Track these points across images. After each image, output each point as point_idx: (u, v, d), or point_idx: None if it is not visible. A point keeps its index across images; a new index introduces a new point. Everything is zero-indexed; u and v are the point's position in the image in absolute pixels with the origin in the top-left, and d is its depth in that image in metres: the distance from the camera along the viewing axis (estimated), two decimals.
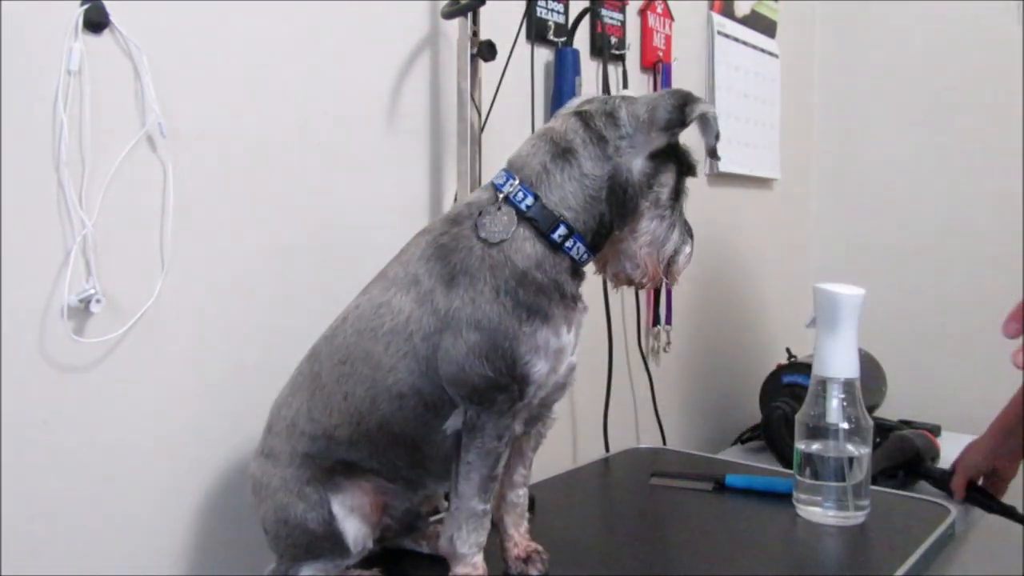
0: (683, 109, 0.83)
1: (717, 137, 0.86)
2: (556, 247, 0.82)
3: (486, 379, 0.80)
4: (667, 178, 0.87)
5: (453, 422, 0.84)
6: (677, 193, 0.88)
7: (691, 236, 0.91)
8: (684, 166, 0.88)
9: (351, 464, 0.88)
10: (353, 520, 0.88)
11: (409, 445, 0.86)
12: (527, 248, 0.81)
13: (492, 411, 0.82)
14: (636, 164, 0.84)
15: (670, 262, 0.89)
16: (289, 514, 0.87)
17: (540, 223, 0.82)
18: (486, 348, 0.79)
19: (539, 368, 0.81)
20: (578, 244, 0.83)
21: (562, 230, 0.82)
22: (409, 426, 0.85)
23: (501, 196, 0.83)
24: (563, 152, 0.83)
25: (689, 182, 0.90)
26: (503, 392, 0.81)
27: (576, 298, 0.86)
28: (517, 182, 0.83)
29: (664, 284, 0.91)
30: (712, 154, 0.87)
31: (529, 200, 0.82)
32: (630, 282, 0.90)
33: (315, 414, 0.88)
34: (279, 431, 0.90)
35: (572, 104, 0.89)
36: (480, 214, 0.83)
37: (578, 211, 0.83)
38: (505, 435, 0.83)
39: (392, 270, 0.87)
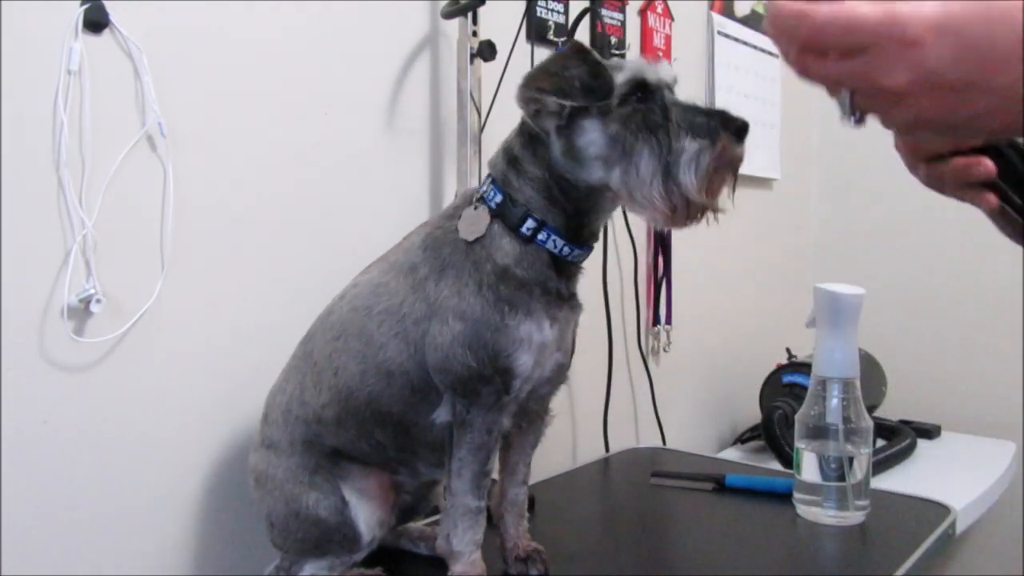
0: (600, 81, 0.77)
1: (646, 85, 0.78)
2: (529, 240, 0.82)
3: (469, 369, 0.81)
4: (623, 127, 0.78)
5: (442, 413, 0.85)
6: (641, 125, 0.77)
7: (689, 134, 0.76)
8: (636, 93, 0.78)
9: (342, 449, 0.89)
10: (364, 506, 0.89)
11: (396, 425, 0.87)
12: (505, 245, 0.82)
13: (479, 405, 0.82)
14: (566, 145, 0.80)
15: (674, 187, 0.77)
16: (300, 505, 0.87)
17: (508, 218, 0.83)
18: (470, 338, 0.80)
19: (523, 361, 0.82)
20: (553, 237, 0.83)
21: (530, 223, 0.82)
22: (396, 405, 0.86)
23: (477, 195, 0.85)
24: (512, 160, 0.85)
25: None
26: (487, 384, 0.81)
27: (563, 295, 0.85)
28: (490, 181, 0.85)
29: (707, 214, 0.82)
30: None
31: (498, 198, 0.83)
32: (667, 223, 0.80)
33: (306, 396, 0.89)
34: (275, 419, 0.91)
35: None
36: (461, 215, 0.85)
37: (544, 209, 0.83)
38: (494, 430, 0.84)
39: (393, 255, 0.90)
